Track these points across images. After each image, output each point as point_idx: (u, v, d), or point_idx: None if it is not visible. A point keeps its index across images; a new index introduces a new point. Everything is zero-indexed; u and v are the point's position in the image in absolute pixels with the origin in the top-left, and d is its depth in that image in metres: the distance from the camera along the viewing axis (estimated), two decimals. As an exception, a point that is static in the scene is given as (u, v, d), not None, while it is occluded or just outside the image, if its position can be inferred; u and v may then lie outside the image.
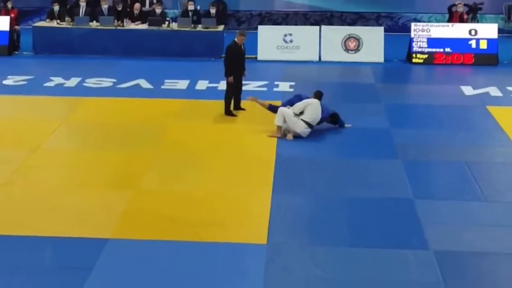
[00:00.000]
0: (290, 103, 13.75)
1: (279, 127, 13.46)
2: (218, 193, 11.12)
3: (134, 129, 13.96)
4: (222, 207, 10.65)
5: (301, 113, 13.39)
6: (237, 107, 15.04)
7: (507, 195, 11.17)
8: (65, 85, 17.05)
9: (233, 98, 14.92)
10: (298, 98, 13.78)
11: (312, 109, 13.42)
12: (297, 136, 13.38)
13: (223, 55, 15.15)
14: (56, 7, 20.58)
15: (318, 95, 13.61)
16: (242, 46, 14.86)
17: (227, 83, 14.87)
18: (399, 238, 9.71)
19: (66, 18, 20.34)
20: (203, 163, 12.29)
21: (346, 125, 14.02)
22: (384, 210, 10.53)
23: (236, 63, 14.77)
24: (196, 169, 12.00)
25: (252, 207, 10.62)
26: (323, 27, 20.38)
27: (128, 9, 21.05)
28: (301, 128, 13.37)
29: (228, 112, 14.84)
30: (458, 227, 10.03)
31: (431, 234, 9.74)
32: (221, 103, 15.25)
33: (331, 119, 13.96)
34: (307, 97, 13.71)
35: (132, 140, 13.39)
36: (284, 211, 10.50)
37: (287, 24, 22.68)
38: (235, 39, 14.81)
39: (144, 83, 17.26)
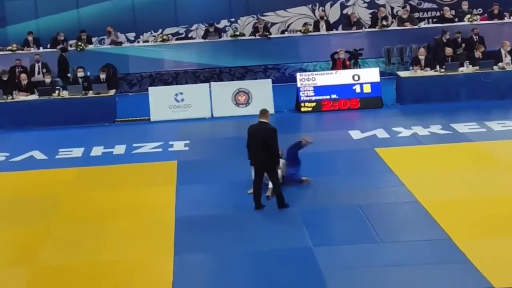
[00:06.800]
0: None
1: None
2: (119, 260, 11.10)
3: (29, 203, 13.76)
4: (124, 274, 10.65)
5: None
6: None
7: (401, 234, 11.54)
8: (-44, 163, 16.73)
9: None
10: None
11: None
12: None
13: (271, 140, 12.81)
14: None
15: None
16: None
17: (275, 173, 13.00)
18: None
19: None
20: (101, 231, 12.26)
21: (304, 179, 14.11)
22: (285, 261, 10.74)
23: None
24: (94, 238, 11.95)
25: (155, 271, 10.66)
26: (212, 83, 20.74)
27: (16, 80, 20.92)
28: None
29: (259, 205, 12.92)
30: (357, 270, 10.32)
31: (332, 280, 10.02)
32: (117, 167, 15.27)
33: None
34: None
35: (27, 214, 13.19)
36: (188, 271, 10.60)
37: (177, 83, 22.90)
38: (263, 120, 12.87)
39: (38, 154, 17.06)
